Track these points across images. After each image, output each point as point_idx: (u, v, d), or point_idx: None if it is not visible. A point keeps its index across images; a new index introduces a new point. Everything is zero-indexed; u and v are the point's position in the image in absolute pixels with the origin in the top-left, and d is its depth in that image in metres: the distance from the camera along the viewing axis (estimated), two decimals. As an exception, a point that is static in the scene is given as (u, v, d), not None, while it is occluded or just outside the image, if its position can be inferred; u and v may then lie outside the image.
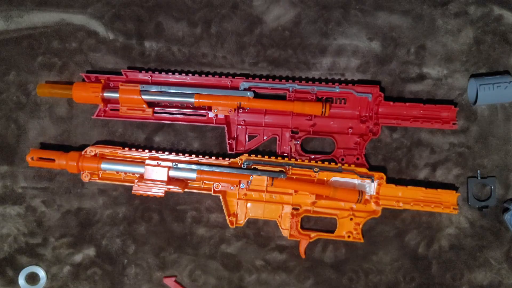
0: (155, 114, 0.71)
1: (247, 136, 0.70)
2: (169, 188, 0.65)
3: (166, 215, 0.71)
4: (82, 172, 0.67)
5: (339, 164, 0.67)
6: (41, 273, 0.71)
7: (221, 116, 0.70)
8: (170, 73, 0.70)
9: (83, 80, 0.70)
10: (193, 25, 0.72)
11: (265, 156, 0.68)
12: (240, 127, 0.70)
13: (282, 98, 0.69)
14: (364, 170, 0.67)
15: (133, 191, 0.66)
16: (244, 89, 0.69)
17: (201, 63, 0.72)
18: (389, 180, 0.68)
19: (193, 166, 0.66)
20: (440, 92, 0.71)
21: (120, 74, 0.69)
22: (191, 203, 0.71)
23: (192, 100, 0.67)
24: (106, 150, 0.68)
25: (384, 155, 0.71)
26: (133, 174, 0.68)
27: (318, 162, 0.68)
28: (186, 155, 0.68)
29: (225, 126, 0.70)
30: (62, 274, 0.71)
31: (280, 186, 0.66)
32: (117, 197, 0.72)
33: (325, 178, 0.67)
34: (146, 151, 0.68)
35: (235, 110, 0.68)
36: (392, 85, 0.71)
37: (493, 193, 0.70)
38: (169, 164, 0.66)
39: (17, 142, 0.73)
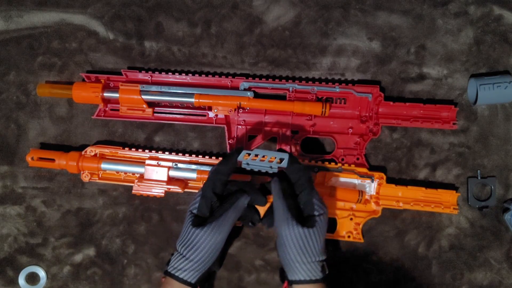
0: (155, 114, 0.71)
1: (247, 136, 0.70)
2: (169, 188, 0.65)
3: (166, 215, 0.71)
4: (82, 172, 0.68)
5: (339, 164, 0.67)
6: (41, 273, 0.71)
7: (221, 116, 0.70)
8: (170, 73, 0.70)
9: (83, 80, 0.70)
10: (193, 25, 0.72)
11: (265, 156, 0.68)
12: (240, 127, 0.70)
13: (282, 98, 0.70)
14: (364, 170, 0.67)
15: (133, 191, 0.66)
16: (244, 89, 0.69)
17: (201, 63, 0.72)
18: (389, 180, 0.68)
19: (193, 166, 0.66)
20: (440, 92, 0.71)
21: (120, 74, 0.69)
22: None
23: (192, 100, 0.67)
24: (106, 150, 0.68)
25: (384, 155, 0.71)
26: (133, 174, 0.68)
27: (318, 162, 0.68)
28: (186, 155, 0.67)
29: (225, 126, 0.70)
30: (62, 274, 0.71)
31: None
32: (117, 197, 0.72)
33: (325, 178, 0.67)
34: (146, 151, 0.68)
35: (235, 110, 0.68)
36: (392, 85, 0.71)
37: (493, 193, 0.70)
38: (169, 164, 0.66)
39: (17, 142, 0.73)
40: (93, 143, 0.72)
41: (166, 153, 0.67)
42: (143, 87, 0.67)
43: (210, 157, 0.68)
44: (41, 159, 0.68)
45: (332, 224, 0.69)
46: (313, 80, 0.71)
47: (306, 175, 0.57)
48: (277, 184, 0.57)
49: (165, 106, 0.71)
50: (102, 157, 0.68)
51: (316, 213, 0.55)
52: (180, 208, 0.71)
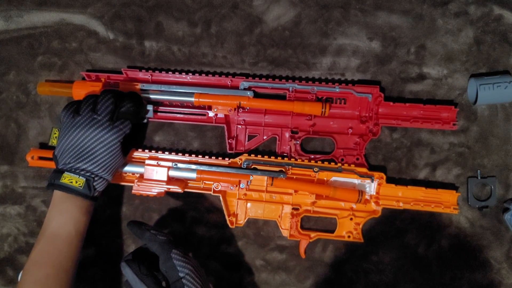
0: (155, 114, 0.71)
1: (247, 135, 0.70)
2: (169, 188, 0.65)
3: (166, 215, 0.71)
4: (82, 171, 0.67)
5: (339, 164, 0.67)
6: (41, 273, 0.71)
7: (221, 115, 0.70)
8: (170, 73, 0.70)
9: (83, 79, 0.70)
10: (193, 25, 0.72)
11: (265, 156, 0.68)
12: (240, 126, 0.70)
13: (282, 98, 0.70)
14: (364, 170, 0.67)
15: (133, 191, 0.66)
16: (244, 89, 0.69)
17: (201, 63, 0.72)
18: (389, 180, 0.68)
19: (193, 166, 0.66)
20: (440, 92, 0.71)
21: (120, 73, 0.69)
22: (191, 203, 0.71)
23: (192, 99, 0.67)
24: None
25: (384, 155, 0.71)
26: (133, 174, 0.68)
27: (318, 162, 0.68)
28: (186, 155, 0.67)
29: (225, 125, 0.70)
30: (61, 274, 0.71)
31: (280, 186, 0.66)
32: (117, 197, 0.72)
33: (325, 178, 0.67)
34: (146, 151, 0.68)
35: (235, 109, 0.68)
36: (392, 85, 0.71)
37: (493, 193, 0.70)
38: (169, 164, 0.66)
39: (17, 142, 0.73)
40: (93, 143, 0.72)
41: (166, 153, 0.67)
42: (143, 86, 0.67)
43: (210, 157, 0.68)
44: (41, 158, 0.68)
45: (332, 224, 0.69)
46: (313, 80, 0.71)
47: (156, 242, 0.55)
48: (127, 269, 0.54)
49: (165, 105, 0.71)
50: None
51: (181, 274, 0.52)
52: (180, 208, 0.71)
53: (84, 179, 0.58)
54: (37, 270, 0.56)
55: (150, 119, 0.70)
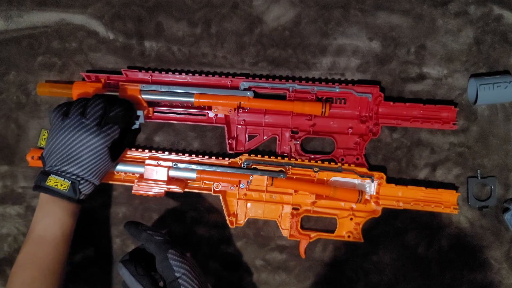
0: (155, 114, 0.71)
1: (247, 136, 0.70)
2: (169, 188, 0.65)
3: (166, 215, 0.71)
4: (82, 172, 0.67)
5: (339, 164, 0.67)
6: (41, 273, 0.71)
7: (221, 115, 0.70)
8: (170, 73, 0.70)
9: (83, 79, 0.70)
10: (193, 25, 0.72)
11: (265, 156, 0.68)
12: (240, 127, 0.70)
13: (282, 98, 0.69)
14: (364, 170, 0.67)
15: (133, 191, 0.65)
16: (244, 89, 0.69)
17: (201, 63, 0.72)
18: (389, 180, 0.68)
19: (193, 166, 0.66)
20: (440, 92, 0.71)
21: (120, 73, 0.69)
22: (191, 203, 0.71)
23: (192, 99, 0.67)
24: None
25: (384, 155, 0.71)
26: (133, 174, 0.68)
27: (318, 162, 0.68)
28: (186, 155, 0.67)
29: (225, 125, 0.70)
30: (61, 274, 0.71)
31: (280, 186, 0.66)
32: (117, 197, 0.72)
33: (325, 178, 0.67)
34: (146, 151, 0.68)
35: (235, 109, 0.68)
36: (392, 85, 0.71)
37: (493, 193, 0.70)
38: (169, 164, 0.66)
39: (17, 142, 0.72)
40: (93, 143, 0.72)
41: (166, 153, 0.67)
42: (143, 86, 0.67)
43: (210, 157, 0.68)
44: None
45: (332, 224, 0.69)
46: (313, 80, 0.71)
47: (153, 242, 0.55)
48: (123, 269, 0.54)
49: (165, 105, 0.71)
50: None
51: (177, 274, 0.52)
52: (180, 208, 0.71)
53: (69, 182, 0.58)
54: (23, 273, 0.56)
55: (150, 120, 0.70)
